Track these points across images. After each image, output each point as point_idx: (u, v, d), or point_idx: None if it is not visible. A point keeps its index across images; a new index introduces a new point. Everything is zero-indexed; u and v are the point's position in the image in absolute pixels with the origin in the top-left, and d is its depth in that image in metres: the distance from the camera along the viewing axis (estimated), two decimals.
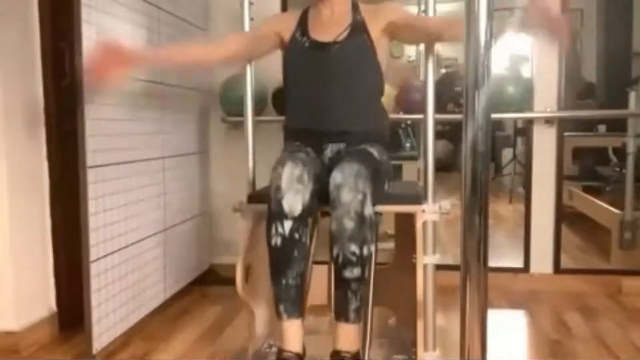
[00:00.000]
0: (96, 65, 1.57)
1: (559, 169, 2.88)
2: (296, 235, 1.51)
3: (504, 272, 2.91)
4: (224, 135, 3.08)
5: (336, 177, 1.49)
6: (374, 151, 1.68)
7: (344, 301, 1.51)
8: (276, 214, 1.51)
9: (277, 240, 1.51)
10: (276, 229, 1.51)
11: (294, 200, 1.50)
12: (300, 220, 1.51)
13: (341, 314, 1.52)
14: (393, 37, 1.78)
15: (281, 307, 1.54)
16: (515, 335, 2.36)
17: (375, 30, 1.72)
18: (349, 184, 1.46)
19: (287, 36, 1.79)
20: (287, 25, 1.79)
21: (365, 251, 1.48)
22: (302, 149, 1.69)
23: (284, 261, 1.53)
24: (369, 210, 1.48)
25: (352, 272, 1.48)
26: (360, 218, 1.46)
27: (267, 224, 1.54)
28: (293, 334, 1.54)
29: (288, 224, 1.50)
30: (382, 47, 1.76)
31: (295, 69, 1.77)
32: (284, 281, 1.53)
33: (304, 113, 1.76)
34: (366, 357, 1.62)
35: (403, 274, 1.85)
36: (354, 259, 1.47)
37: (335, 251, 1.49)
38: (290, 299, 1.54)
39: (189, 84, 2.78)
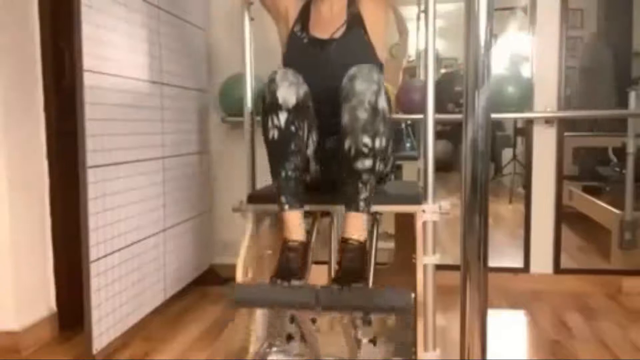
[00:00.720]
0: None
1: (559, 169, 2.88)
2: (292, 128, 1.53)
3: (504, 272, 2.91)
4: (224, 135, 3.08)
5: (351, 70, 1.51)
6: None
7: (354, 191, 1.51)
8: (271, 106, 1.52)
9: (273, 133, 1.53)
10: (272, 121, 1.52)
11: (288, 92, 1.52)
12: (295, 113, 1.52)
13: (351, 203, 1.53)
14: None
15: (282, 199, 1.56)
16: (515, 335, 2.36)
17: (368, 12, 1.74)
18: (363, 75, 1.48)
19: (289, 19, 1.82)
20: (294, 7, 1.82)
21: (377, 143, 1.48)
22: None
23: (281, 154, 1.54)
24: (382, 102, 1.49)
25: (364, 164, 1.49)
26: (374, 109, 1.46)
27: (263, 119, 1.55)
28: (295, 223, 1.57)
29: (283, 116, 1.51)
30: (379, 38, 1.77)
31: (293, 65, 1.78)
32: (283, 173, 1.55)
33: None
34: (366, 358, 1.62)
35: (403, 274, 1.85)
36: (365, 150, 1.47)
37: (347, 143, 1.49)
38: (290, 191, 1.56)
39: (189, 84, 2.78)
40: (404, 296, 1.49)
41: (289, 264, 1.53)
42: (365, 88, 1.47)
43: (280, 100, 1.51)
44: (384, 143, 1.51)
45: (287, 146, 1.53)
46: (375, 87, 1.47)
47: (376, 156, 1.49)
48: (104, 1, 2.00)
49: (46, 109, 2.25)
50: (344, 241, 1.54)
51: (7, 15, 2.09)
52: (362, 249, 1.55)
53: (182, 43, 2.70)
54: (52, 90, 2.25)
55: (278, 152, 1.54)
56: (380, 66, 1.76)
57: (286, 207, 1.57)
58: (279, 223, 1.73)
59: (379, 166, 1.53)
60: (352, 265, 1.51)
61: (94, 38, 1.94)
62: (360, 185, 1.51)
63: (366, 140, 1.47)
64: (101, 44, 1.99)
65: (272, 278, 1.52)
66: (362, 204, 1.52)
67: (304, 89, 1.57)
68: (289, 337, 1.68)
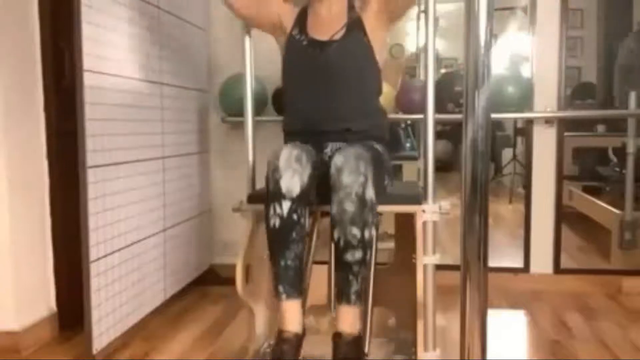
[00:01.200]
0: None
1: (559, 169, 2.88)
2: (294, 217, 1.51)
3: (504, 272, 2.91)
4: (224, 135, 3.08)
5: (337, 160, 1.49)
6: (374, 143, 1.70)
7: (346, 284, 1.51)
8: (274, 195, 1.51)
9: (275, 221, 1.51)
10: (274, 209, 1.51)
11: (292, 181, 1.50)
12: (298, 201, 1.51)
13: (342, 296, 1.52)
14: (389, 19, 1.77)
15: (280, 288, 1.54)
16: (515, 335, 2.36)
17: (369, 22, 1.73)
18: (349, 167, 1.46)
19: (285, 27, 1.80)
20: (289, 15, 1.80)
21: (366, 234, 1.48)
22: (301, 144, 1.70)
23: (282, 242, 1.52)
24: (370, 193, 1.47)
25: (354, 256, 1.48)
26: (362, 201, 1.46)
27: (265, 206, 1.53)
28: (292, 314, 1.54)
29: (286, 205, 1.50)
30: (378, 41, 1.76)
31: (293, 67, 1.78)
32: (282, 262, 1.53)
33: (302, 112, 1.76)
34: (368, 358, 1.62)
35: (403, 274, 1.85)
36: (355, 242, 1.47)
37: (336, 234, 1.48)
38: (288, 280, 1.53)
39: (189, 84, 2.78)
40: None
41: (283, 357, 1.50)
42: (352, 181, 1.46)
43: (284, 190, 1.50)
44: (373, 233, 1.51)
45: (289, 235, 1.52)
46: (362, 178, 1.46)
47: (366, 247, 1.49)
48: (104, 1, 2.00)
49: (46, 109, 2.25)
50: (336, 335, 1.52)
51: (7, 16, 2.09)
52: (357, 342, 1.53)
53: (182, 43, 2.70)
54: (52, 90, 2.25)
55: (279, 240, 1.53)
56: (378, 71, 1.76)
57: (283, 296, 1.54)
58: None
59: (369, 257, 1.52)
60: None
61: (94, 38, 1.94)
62: (350, 277, 1.50)
63: (355, 231, 1.46)
64: (101, 44, 1.99)
65: None
66: (353, 297, 1.51)
67: (307, 171, 1.53)
68: None
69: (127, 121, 2.18)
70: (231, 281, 1.76)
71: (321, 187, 1.72)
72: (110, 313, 2.06)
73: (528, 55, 2.92)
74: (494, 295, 2.70)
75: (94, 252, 1.95)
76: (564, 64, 2.83)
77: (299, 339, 1.53)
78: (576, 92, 4.56)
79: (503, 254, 3.14)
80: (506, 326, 2.44)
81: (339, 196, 1.47)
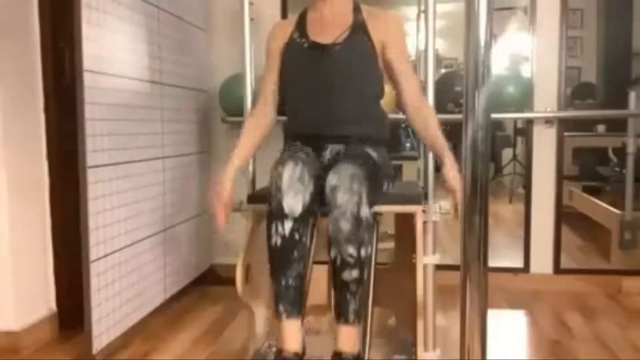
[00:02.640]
0: (219, 216, 1.64)
1: (559, 169, 2.89)
2: (296, 236, 1.51)
3: (504, 272, 2.91)
4: (224, 135, 3.08)
5: (331, 179, 1.49)
6: (374, 153, 1.67)
7: (344, 303, 1.51)
8: (276, 214, 1.51)
9: (276, 240, 1.51)
10: (276, 228, 1.51)
11: (294, 201, 1.50)
12: (300, 221, 1.51)
13: (341, 316, 1.52)
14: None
15: (280, 307, 1.54)
16: (515, 335, 2.36)
17: (373, 33, 1.71)
18: (344, 186, 1.46)
19: (285, 41, 1.77)
20: (284, 35, 1.77)
21: (362, 252, 1.47)
22: (302, 149, 1.69)
23: (283, 261, 1.52)
24: (365, 211, 1.47)
25: (351, 274, 1.48)
26: (357, 220, 1.45)
27: (267, 223, 1.53)
28: (292, 333, 1.53)
29: (288, 224, 1.50)
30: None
31: (294, 70, 1.75)
32: (283, 281, 1.53)
33: (303, 115, 1.75)
34: (366, 357, 1.62)
35: (403, 274, 1.85)
36: (351, 260, 1.47)
37: (333, 253, 1.49)
38: (289, 300, 1.53)
39: (189, 84, 2.78)
40: None
41: None
42: (347, 199, 1.45)
43: (287, 210, 1.50)
44: (369, 251, 1.51)
45: (290, 254, 1.51)
46: (356, 197, 1.45)
47: (363, 265, 1.48)
48: (104, 1, 2.00)
49: (46, 109, 2.25)
50: (336, 355, 1.51)
51: (7, 16, 2.09)
52: None
53: (182, 43, 2.70)
54: (52, 90, 2.26)
55: (280, 259, 1.52)
56: (380, 74, 1.74)
57: (284, 316, 1.53)
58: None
59: (366, 275, 1.52)
60: None
61: (94, 38, 1.94)
62: (349, 296, 1.50)
63: (351, 250, 1.46)
64: (101, 44, 1.99)
65: None
66: (352, 316, 1.51)
67: (310, 190, 1.53)
68: None
69: (127, 121, 2.18)
70: (231, 281, 1.77)
71: (320, 189, 1.72)
72: (110, 313, 2.06)
73: (528, 55, 2.92)
74: (494, 295, 2.70)
75: (94, 252, 1.95)
76: (564, 64, 2.83)
77: (299, 358, 1.53)
78: (576, 92, 4.56)
79: (503, 254, 3.14)
80: (506, 326, 2.44)
81: (334, 215, 1.47)
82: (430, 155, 1.80)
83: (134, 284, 2.23)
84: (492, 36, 0.72)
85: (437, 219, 1.73)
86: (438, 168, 1.76)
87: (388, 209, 1.76)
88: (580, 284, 2.86)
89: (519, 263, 2.93)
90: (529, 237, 2.92)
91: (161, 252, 2.48)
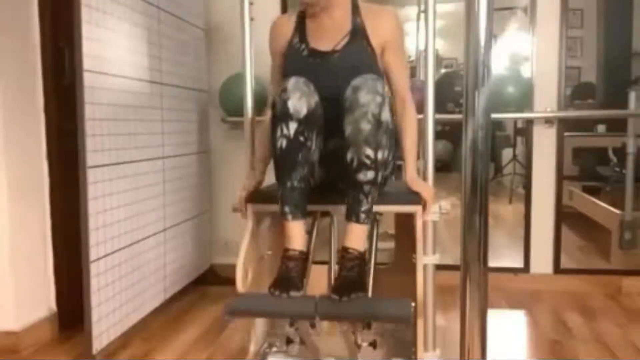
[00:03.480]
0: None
1: (559, 169, 2.88)
2: (301, 138, 1.51)
3: (504, 272, 2.91)
4: (224, 135, 3.08)
5: (355, 81, 1.50)
6: None
7: (356, 203, 1.52)
8: (281, 115, 1.51)
9: (282, 142, 1.52)
10: (281, 130, 1.51)
11: (299, 103, 1.51)
12: (305, 123, 1.51)
13: (352, 214, 1.54)
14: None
15: (286, 208, 1.57)
16: (515, 335, 2.36)
17: (373, 36, 1.70)
18: (367, 86, 1.47)
19: (286, 41, 1.77)
20: (284, 35, 1.77)
21: (379, 155, 1.48)
22: None
23: (288, 163, 1.53)
24: (386, 115, 1.48)
25: (366, 175, 1.49)
26: (378, 121, 1.46)
27: (272, 127, 1.54)
28: (297, 233, 1.58)
29: (293, 126, 1.50)
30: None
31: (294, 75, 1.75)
32: (288, 183, 1.55)
33: None
34: (366, 357, 1.62)
35: (403, 274, 1.85)
36: (368, 162, 1.48)
37: (349, 155, 1.49)
38: (294, 201, 1.56)
39: (189, 84, 2.78)
40: (404, 306, 1.49)
41: (289, 273, 1.54)
42: (369, 100, 1.46)
43: (292, 110, 1.50)
44: (386, 155, 1.52)
45: (295, 156, 1.53)
46: (380, 99, 1.47)
47: (378, 168, 1.50)
48: (104, 1, 2.00)
49: (46, 109, 2.25)
50: (343, 250, 1.55)
51: (7, 16, 2.09)
52: (362, 259, 1.56)
53: (182, 43, 2.70)
54: (52, 90, 2.26)
55: (285, 161, 1.54)
56: (383, 77, 1.73)
57: (289, 217, 1.57)
58: (279, 226, 1.73)
59: (381, 178, 1.54)
60: (351, 274, 1.52)
61: (94, 38, 1.94)
62: (361, 196, 1.51)
63: (369, 152, 1.47)
64: (101, 44, 1.99)
65: (271, 289, 1.52)
66: (362, 215, 1.53)
67: (315, 98, 1.56)
68: (289, 341, 1.68)
69: (127, 121, 2.18)
70: (231, 281, 1.76)
71: (321, 187, 1.72)
72: (110, 313, 2.06)
73: (528, 55, 2.92)
74: (494, 295, 2.70)
75: (94, 252, 1.95)
76: (564, 64, 2.83)
77: (304, 255, 1.58)
78: (576, 92, 4.56)
79: (503, 254, 3.14)
80: (506, 326, 2.44)
81: (354, 116, 1.47)
82: (431, 156, 1.80)
83: (134, 284, 2.23)
84: (492, 36, 0.72)
85: (437, 219, 1.72)
86: (438, 168, 1.76)
87: (388, 209, 1.76)
88: (580, 284, 2.86)
89: (519, 263, 2.93)
90: (529, 237, 2.92)
91: (161, 252, 2.48)
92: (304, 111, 1.51)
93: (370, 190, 1.51)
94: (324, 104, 1.67)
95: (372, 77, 1.51)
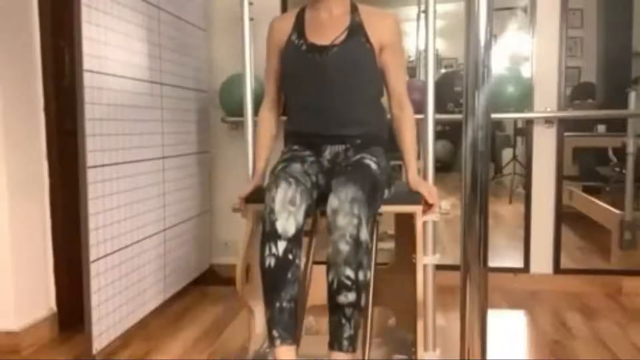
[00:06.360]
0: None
1: (559, 169, 2.88)
2: (290, 256, 1.49)
3: (504, 272, 2.91)
4: (224, 135, 3.08)
5: (332, 202, 1.48)
6: (372, 161, 1.64)
7: (338, 328, 1.48)
8: (269, 235, 1.50)
9: (270, 261, 1.49)
10: (270, 249, 1.49)
11: (287, 223, 1.49)
12: (294, 242, 1.50)
13: (334, 343, 1.48)
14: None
15: (274, 332, 1.49)
16: (515, 335, 2.36)
17: (372, 34, 1.70)
18: (344, 209, 1.45)
19: (284, 39, 1.77)
20: (283, 31, 1.77)
21: (360, 276, 1.45)
22: (299, 154, 1.68)
23: (277, 282, 1.49)
24: (364, 234, 1.46)
25: (347, 297, 1.45)
26: (356, 242, 1.44)
27: (261, 247, 1.52)
28: None
29: (282, 245, 1.49)
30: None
31: (292, 72, 1.75)
32: (277, 304, 1.50)
33: (302, 117, 1.74)
34: (366, 357, 1.62)
35: (403, 274, 1.85)
36: (348, 283, 1.44)
37: (330, 276, 1.47)
38: (283, 323, 1.49)
39: (189, 84, 2.78)
40: None
41: None
42: (346, 222, 1.44)
43: (280, 231, 1.49)
44: (368, 276, 1.49)
45: (284, 275, 1.49)
46: (356, 220, 1.44)
47: (360, 290, 1.46)
48: (104, 1, 2.00)
49: (46, 109, 2.25)
50: None
51: (6, 16, 2.09)
52: None
53: (182, 43, 2.70)
54: (52, 90, 2.26)
55: (274, 281, 1.50)
56: (379, 75, 1.73)
57: (278, 342, 1.49)
58: None
59: (363, 301, 1.49)
60: None
61: (94, 38, 1.94)
62: (343, 321, 1.47)
63: (349, 272, 1.44)
64: (101, 44, 1.99)
65: None
66: (345, 343, 1.47)
67: (302, 212, 1.52)
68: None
69: (127, 121, 2.18)
70: (231, 281, 1.76)
71: (321, 189, 1.72)
72: (110, 313, 2.06)
73: (528, 55, 2.92)
74: (494, 295, 2.70)
75: (94, 252, 1.95)
76: (564, 64, 2.83)
77: None
78: (576, 92, 4.56)
79: (503, 254, 3.14)
80: (506, 326, 2.44)
81: (334, 237, 1.46)
82: (431, 156, 1.80)
83: (133, 284, 2.23)
84: (492, 36, 0.72)
85: (437, 219, 1.72)
86: (438, 168, 1.76)
87: (388, 209, 1.76)
88: (580, 284, 2.86)
89: (519, 263, 2.93)
90: (529, 237, 2.92)
91: (161, 252, 2.48)
92: (292, 231, 1.49)
93: (353, 314, 1.46)
94: (322, 102, 1.67)
95: (350, 197, 1.46)
